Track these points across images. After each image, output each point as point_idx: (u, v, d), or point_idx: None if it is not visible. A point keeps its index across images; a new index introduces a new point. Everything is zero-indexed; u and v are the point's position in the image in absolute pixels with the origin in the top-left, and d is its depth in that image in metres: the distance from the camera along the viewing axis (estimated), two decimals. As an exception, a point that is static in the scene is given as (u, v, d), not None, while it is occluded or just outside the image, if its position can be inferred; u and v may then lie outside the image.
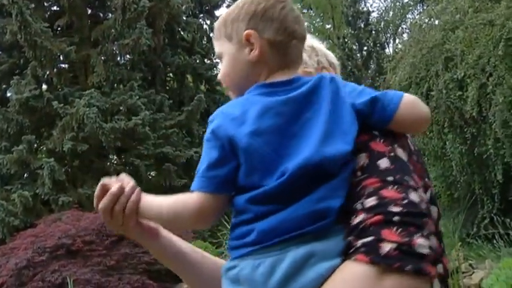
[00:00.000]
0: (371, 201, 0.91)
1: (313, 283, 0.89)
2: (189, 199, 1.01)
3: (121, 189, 1.07)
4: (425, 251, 0.87)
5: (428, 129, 10.32)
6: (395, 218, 0.88)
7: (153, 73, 17.31)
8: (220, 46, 1.11)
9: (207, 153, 1.02)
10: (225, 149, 0.98)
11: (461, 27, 9.48)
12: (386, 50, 21.06)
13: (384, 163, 0.97)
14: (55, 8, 16.43)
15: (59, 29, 15.57)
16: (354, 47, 19.95)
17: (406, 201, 0.90)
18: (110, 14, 15.68)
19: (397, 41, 22.68)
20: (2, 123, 13.51)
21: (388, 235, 0.87)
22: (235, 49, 1.07)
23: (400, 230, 0.87)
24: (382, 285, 0.85)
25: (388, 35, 23.14)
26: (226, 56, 1.09)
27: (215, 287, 1.07)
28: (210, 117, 1.05)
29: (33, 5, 14.43)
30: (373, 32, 19.88)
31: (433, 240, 0.91)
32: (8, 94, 15.55)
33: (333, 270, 0.89)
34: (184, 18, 19.31)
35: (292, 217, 0.91)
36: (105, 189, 1.08)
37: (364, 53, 19.78)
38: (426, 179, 1.06)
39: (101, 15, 16.58)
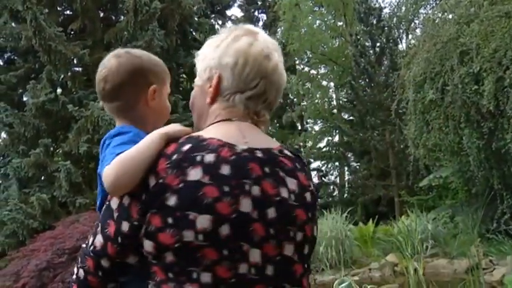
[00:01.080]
0: None
1: None
2: None
3: None
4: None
5: (444, 125, 10.24)
6: None
7: (166, 74, 17.34)
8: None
9: None
10: None
11: (476, 20, 9.37)
12: (400, 46, 20.89)
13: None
14: (68, 12, 16.57)
15: (72, 32, 15.70)
16: (367, 43, 19.81)
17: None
18: (122, 17, 15.76)
19: (410, 36, 22.51)
20: (19, 127, 13.66)
21: None
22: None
23: None
24: None
25: (401, 30, 22.95)
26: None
27: None
28: None
29: (46, 10, 14.58)
30: (386, 28, 19.71)
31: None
32: (25, 98, 15.74)
33: None
34: (196, 18, 19.33)
35: None
36: None
37: (377, 49, 19.64)
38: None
39: (113, 17, 16.69)
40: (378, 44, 19.54)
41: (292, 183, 1.06)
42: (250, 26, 1.25)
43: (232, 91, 1.15)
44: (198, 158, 1.03)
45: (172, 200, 1.00)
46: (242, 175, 1.02)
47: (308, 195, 1.09)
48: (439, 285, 8.62)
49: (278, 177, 1.05)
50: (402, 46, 21.25)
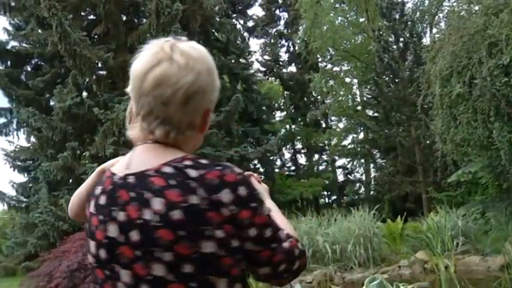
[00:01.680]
0: None
1: None
2: None
3: None
4: None
5: (473, 119, 10.04)
6: None
7: (189, 75, 17.44)
8: None
9: None
10: None
11: (506, 10, 9.15)
12: (424, 40, 20.57)
13: None
14: (92, 16, 16.81)
15: (96, 37, 15.93)
16: (390, 39, 19.58)
17: None
18: (145, 19, 15.91)
19: (434, 30, 22.16)
20: (47, 132, 13.92)
21: None
22: None
23: None
24: None
25: (425, 24, 22.61)
26: None
27: None
28: None
29: (71, 16, 14.83)
30: (409, 22, 19.44)
31: None
32: (52, 103, 16.02)
33: None
34: (218, 19, 19.40)
35: None
36: None
37: (401, 44, 19.39)
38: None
39: (136, 21, 16.86)
40: (402, 39, 19.28)
41: (158, 203, 1.05)
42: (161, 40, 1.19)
43: (134, 115, 1.19)
44: (95, 192, 1.19)
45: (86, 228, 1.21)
46: (112, 203, 1.11)
47: (176, 213, 1.03)
48: (471, 283, 8.44)
49: (143, 199, 1.07)
50: (426, 40, 20.93)
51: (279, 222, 1.20)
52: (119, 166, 1.18)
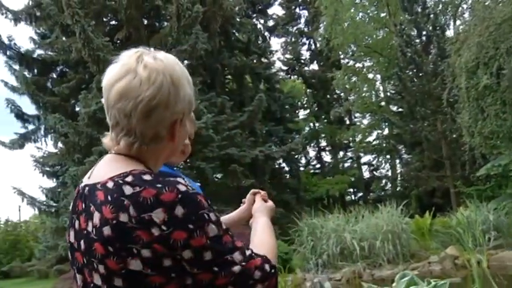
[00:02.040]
0: None
1: None
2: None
3: None
4: None
5: (501, 111, 9.82)
6: None
7: (212, 76, 17.56)
8: None
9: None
10: None
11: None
12: (447, 33, 20.23)
13: None
14: (114, 22, 17.03)
15: (118, 41, 16.12)
16: (412, 33, 19.33)
17: None
18: (166, 23, 16.04)
19: (458, 22, 21.77)
20: (73, 137, 14.14)
21: None
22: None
23: None
24: None
25: (448, 16, 22.24)
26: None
27: None
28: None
29: (93, 22, 15.05)
30: (432, 15, 19.16)
31: None
32: (77, 108, 16.28)
33: None
34: (238, 19, 19.44)
35: None
36: None
37: (424, 38, 19.12)
38: None
39: (157, 24, 17.01)
40: (424, 33, 19.01)
41: (96, 217, 1.08)
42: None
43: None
44: None
45: None
46: (73, 211, 1.18)
47: (107, 229, 1.05)
48: (506, 278, 8.26)
49: (89, 211, 1.11)
50: (450, 33, 20.58)
51: (255, 240, 1.25)
52: (87, 175, 1.22)
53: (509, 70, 9.15)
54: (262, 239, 1.27)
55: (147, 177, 1.07)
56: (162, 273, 1.03)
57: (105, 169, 1.15)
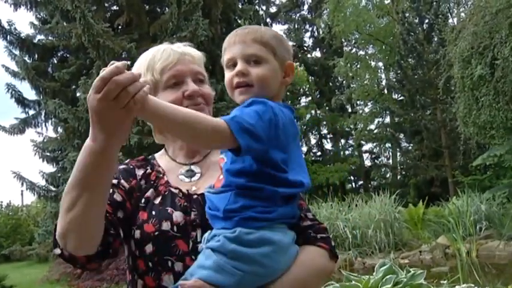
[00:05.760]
0: (310, 214, 1.43)
1: (294, 255, 1.30)
2: (216, 119, 1.16)
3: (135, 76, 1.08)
4: None
5: (495, 101, 9.82)
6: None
7: (213, 63, 17.42)
8: (264, 53, 1.31)
9: (261, 113, 1.19)
10: (271, 125, 1.20)
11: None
12: (450, 21, 20.05)
13: None
14: (114, 7, 17.01)
15: (119, 27, 16.12)
16: (415, 20, 19.21)
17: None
18: (167, 9, 16.01)
19: (461, 9, 21.55)
20: (73, 122, 14.22)
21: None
22: (277, 66, 1.32)
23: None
24: (331, 263, 1.39)
25: (451, 4, 22.03)
26: (268, 65, 1.31)
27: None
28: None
29: (94, 7, 15.05)
30: (434, 2, 19.02)
31: None
32: (77, 94, 16.33)
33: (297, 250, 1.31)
34: (240, 5, 19.35)
35: (288, 212, 1.30)
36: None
37: (426, 26, 19.00)
38: None
39: (158, 10, 16.97)
40: (427, 20, 18.89)
41: None
42: None
43: None
44: None
45: None
46: None
47: None
48: (495, 267, 8.34)
49: None
50: (453, 21, 20.41)
51: None
52: None
53: (503, 60, 9.13)
54: None
55: None
56: None
57: None
